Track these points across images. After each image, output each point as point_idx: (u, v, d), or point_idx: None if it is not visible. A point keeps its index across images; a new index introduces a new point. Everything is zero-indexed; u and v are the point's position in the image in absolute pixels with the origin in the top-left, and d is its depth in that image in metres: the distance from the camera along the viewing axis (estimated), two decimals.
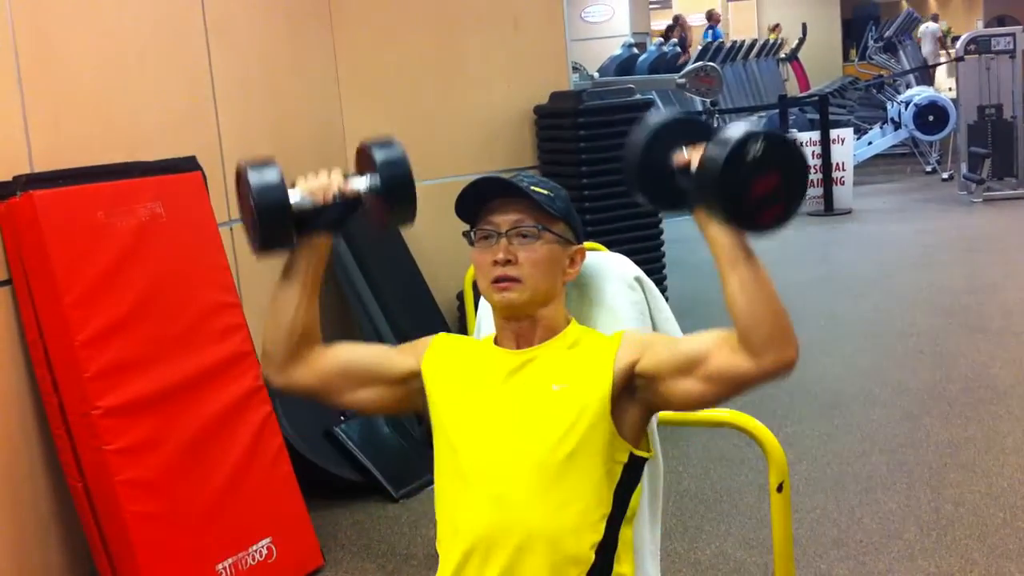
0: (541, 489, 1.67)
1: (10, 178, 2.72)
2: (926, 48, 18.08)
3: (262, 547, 3.09)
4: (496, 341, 1.84)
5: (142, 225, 2.96)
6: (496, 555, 1.67)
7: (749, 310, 1.60)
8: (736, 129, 1.58)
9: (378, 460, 3.89)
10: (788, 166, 1.60)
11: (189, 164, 3.24)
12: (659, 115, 1.72)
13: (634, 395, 1.72)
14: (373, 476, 3.84)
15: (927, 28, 18.69)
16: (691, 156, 1.64)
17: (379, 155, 1.79)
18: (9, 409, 2.72)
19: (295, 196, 1.79)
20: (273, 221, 1.76)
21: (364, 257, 4.22)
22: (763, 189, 1.57)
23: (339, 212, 1.81)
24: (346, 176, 1.82)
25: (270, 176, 1.76)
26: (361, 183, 1.81)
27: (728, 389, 1.65)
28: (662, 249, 5.32)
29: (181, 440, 2.92)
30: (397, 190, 1.79)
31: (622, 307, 1.91)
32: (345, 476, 3.83)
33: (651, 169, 1.70)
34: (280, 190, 1.76)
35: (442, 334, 1.89)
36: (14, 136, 2.78)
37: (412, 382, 1.84)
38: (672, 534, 3.34)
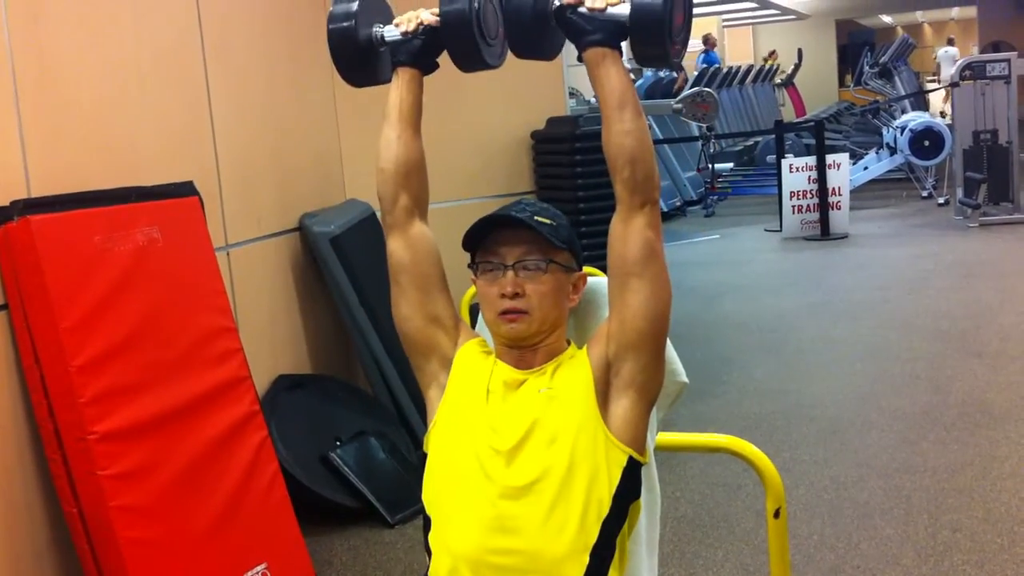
0: (539, 510, 1.68)
1: (7, 203, 2.72)
2: (945, 71, 18.14)
3: (257, 573, 3.07)
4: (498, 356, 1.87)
5: (139, 250, 2.96)
6: (491, 571, 1.67)
7: (635, 147, 1.72)
8: None
9: (374, 485, 3.88)
10: (690, 8, 1.80)
11: (187, 189, 3.25)
12: None
13: (619, 377, 1.74)
14: (369, 501, 3.83)
15: (945, 52, 18.79)
16: None
17: None
18: (4, 434, 2.71)
19: (389, 30, 1.94)
20: (341, 50, 1.93)
21: (361, 282, 4.23)
22: (678, 22, 1.75)
23: (421, 43, 1.91)
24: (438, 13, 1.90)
25: (347, 8, 1.93)
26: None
27: (649, 251, 1.73)
28: None
29: (177, 466, 2.91)
30: (451, 26, 1.86)
31: None
32: (340, 501, 3.82)
33: (536, 16, 1.80)
34: (350, 19, 1.92)
35: (476, 340, 1.91)
36: (11, 161, 2.78)
37: (439, 339, 1.87)
38: (669, 561, 3.33)
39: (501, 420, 1.75)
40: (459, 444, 1.76)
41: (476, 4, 1.85)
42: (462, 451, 1.75)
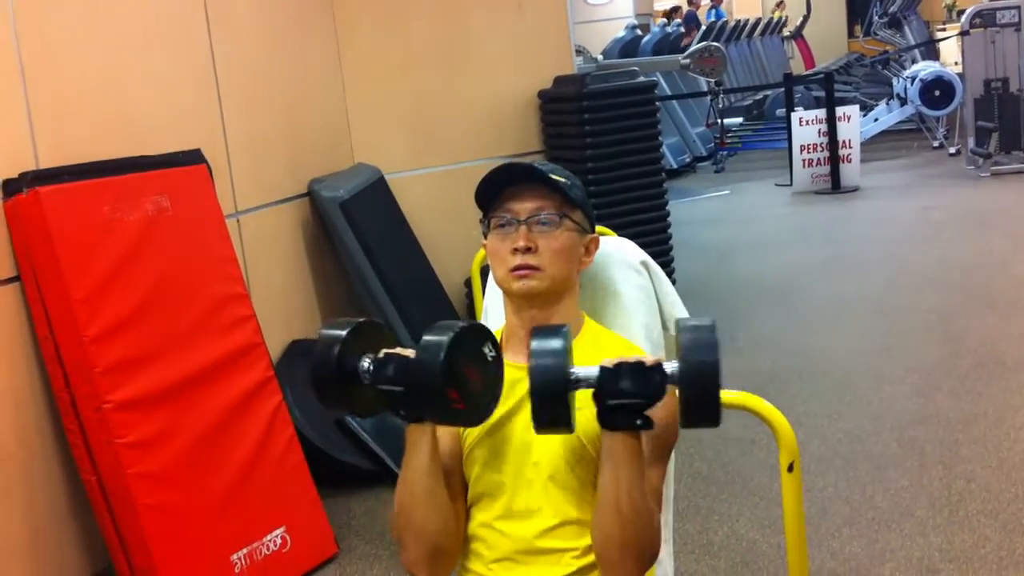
0: (569, 508, 1.66)
1: (16, 175, 2.72)
2: None
3: (276, 536, 3.10)
4: (503, 345, 1.78)
5: (149, 219, 2.97)
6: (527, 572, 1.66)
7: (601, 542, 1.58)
8: None
9: (389, 447, 3.90)
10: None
11: (194, 157, 3.25)
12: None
13: None
14: (385, 463, 3.85)
15: None
16: None
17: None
18: (22, 405, 2.74)
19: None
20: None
21: (371, 246, 4.23)
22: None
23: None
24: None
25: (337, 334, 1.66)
26: None
27: None
28: (669, 231, 5.32)
29: (193, 432, 2.93)
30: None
31: (628, 292, 1.90)
32: (357, 464, 3.84)
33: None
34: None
35: None
36: (19, 133, 2.78)
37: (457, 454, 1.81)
38: (684, 516, 3.34)
39: (526, 433, 1.67)
40: (486, 472, 1.73)
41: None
42: (491, 477, 1.72)
